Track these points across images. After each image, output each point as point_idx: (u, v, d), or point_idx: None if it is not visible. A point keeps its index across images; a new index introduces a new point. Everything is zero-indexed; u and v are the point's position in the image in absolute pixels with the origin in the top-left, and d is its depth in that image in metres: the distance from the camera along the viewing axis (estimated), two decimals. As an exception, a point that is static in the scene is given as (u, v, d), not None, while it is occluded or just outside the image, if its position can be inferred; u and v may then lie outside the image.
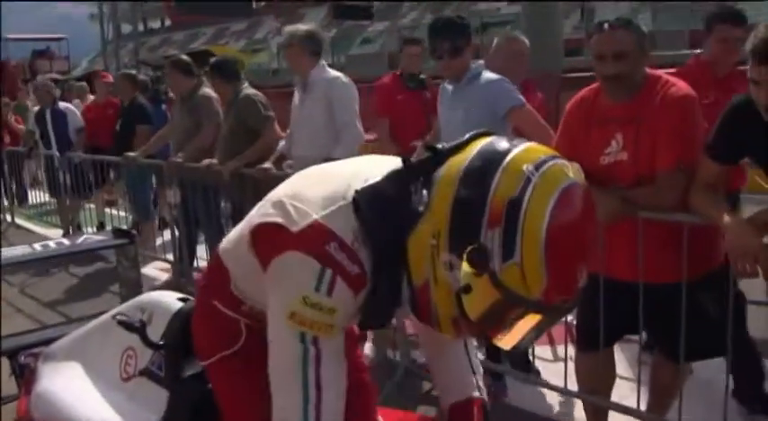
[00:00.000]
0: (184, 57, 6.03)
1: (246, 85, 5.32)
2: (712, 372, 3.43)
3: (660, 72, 2.74)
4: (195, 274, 5.54)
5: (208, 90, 6.13)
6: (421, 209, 1.32)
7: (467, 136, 1.39)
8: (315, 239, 1.34)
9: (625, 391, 3.33)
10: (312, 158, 4.32)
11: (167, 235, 6.49)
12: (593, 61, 2.71)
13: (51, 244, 3.51)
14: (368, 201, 1.36)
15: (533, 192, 1.22)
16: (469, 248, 1.23)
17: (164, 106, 7.77)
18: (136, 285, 3.59)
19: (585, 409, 3.19)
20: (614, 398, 3.14)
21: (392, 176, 1.40)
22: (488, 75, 3.48)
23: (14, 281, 6.61)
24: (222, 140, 5.27)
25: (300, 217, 1.37)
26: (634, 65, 2.64)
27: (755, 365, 3.28)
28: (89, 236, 3.61)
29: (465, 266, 1.23)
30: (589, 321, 2.91)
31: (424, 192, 1.33)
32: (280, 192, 1.50)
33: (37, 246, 3.49)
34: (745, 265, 2.30)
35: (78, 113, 8.02)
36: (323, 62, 4.60)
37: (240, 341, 1.64)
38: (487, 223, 1.22)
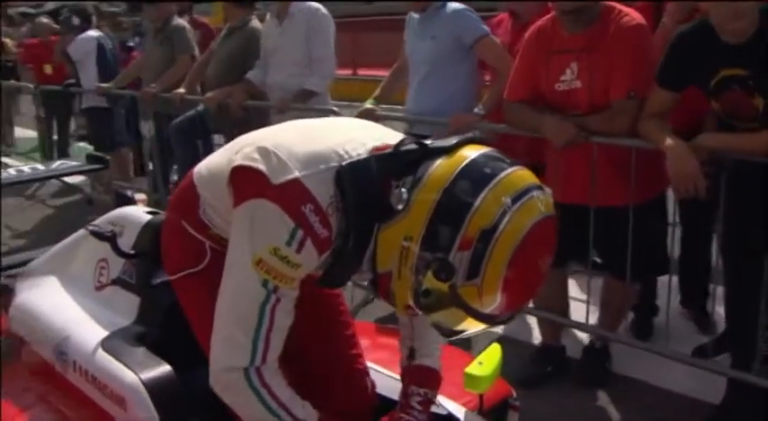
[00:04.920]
0: None
1: (255, 17, 5.12)
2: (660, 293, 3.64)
3: (614, 2, 2.82)
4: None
5: (181, 20, 6.11)
6: (399, 207, 1.37)
7: (455, 140, 1.43)
8: (293, 198, 1.39)
9: (581, 313, 3.51)
10: (287, 87, 4.41)
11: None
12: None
13: (26, 169, 3.58)
14: (351, 179, 1.41)
15: (506, 227, 1.29)
16: (437, 263, 1.31)
17: (136, 39, 7.68)
18: (109, 210, 3.68)
19: (541, 326, 3.37)
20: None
21: (379, 161, 1.45)
22: (454, 4, 3.54)
23: (-11, 210, 6.68)
24: (217, 67, 5.08)
25: (283, 170, 1.41)
26: None
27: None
28: (63, 161, 3.67)
29: (430, 275, 1.33)
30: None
31: (404, 190, 1.37)
32: (266, 137, 1.53)
33: (11, 171, 3.56)
34: (686, 187, 2.44)
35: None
36: (301, -8, 4.61)
37: (205, 261, 1.68)
38: (459, 245, 1.30)
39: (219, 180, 1.56)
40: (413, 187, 1.37)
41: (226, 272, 1.51)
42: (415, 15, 3.68)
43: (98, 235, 2.13)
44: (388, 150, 1.48)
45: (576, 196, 2.92)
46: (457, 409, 1.83)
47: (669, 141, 2.50)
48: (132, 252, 2.13)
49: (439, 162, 1.38)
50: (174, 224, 1.75)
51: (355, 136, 1.51)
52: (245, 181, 1.46)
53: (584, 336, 3.47)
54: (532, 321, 3.65)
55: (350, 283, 4.26)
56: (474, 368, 1.75)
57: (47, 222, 6.23)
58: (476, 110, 3.41)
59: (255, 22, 5.01)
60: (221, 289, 1.51)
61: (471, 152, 1.40)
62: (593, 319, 3.26)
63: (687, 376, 3.07)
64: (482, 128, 3.38)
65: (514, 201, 1.32)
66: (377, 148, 1.48)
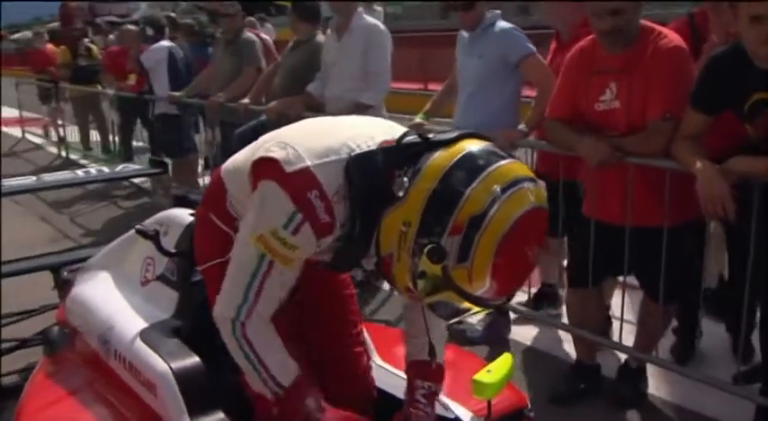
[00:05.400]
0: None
1: (320, 31, 5.30)
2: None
3: (653, 24, 2.85)
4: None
5: (251, 34, 6.35)
6: (400, 194, 1.47)
7: (456, 133, 1.53)
8: (301, 184, 1.52)
9: (617, 333, 3.51)
10: (344, 100, 4.55)
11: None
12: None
13: (92, 170, 3.83)
14: (358, 169, 1.53)
15: (494, 215, 1.38)
16: (431, 246, 1.41)
17: (210, 49, 7.98)
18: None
19: (576, 344, 3.39)
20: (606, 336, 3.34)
21: (384, 152, 1.57)
22: (502, 24, 3.63)
23: (65, 210, 7.06)
24: (282, 78, 5.28)
25: (296, 160, 1.54)
26: (629, 19, 2.77)
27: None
28: (127, 165, 3.90)
29: (424, 257, 1.42)
30: (580, 260, 3.10)
31: (405, 179, 1.48)
32: (286, 133, 1.68)
33: (79, 172, 3.81)
34: (714, 209, 2.46)
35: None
36: (360, 9, 4.77)
37: (231, 252, 1.81)
38: (450, 230, 1.40)
39: (242, 173, 1.71)
40: (413, 176, 1.47)
41: (235, 242, 1.68)
42: (465, 34, 3.77)
43: (143, 233, 2.29)
44: (394, 143, 1.59)
45: (613, 216, 2.96)
46: (464, 414, 1.89)
47: (699, 164, 2.51)
48: (174, 251, 2.28)
49: (438, 153, 1.48)
50: (203, 217, 1.91)
51: (366, 131, 1.63)
52: (262, 169, 1.61)
53: (622, 356, 3.48)
54: (568, 338, 3.66)
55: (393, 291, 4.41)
56: (482, 375, 1.82)
57: (115, 222, 6.53)
58: (520, 127, 3.48)
59: (320, 37, 5.18)
60: (231, 256, 1.68)
61: (469, 145, 1.49)
62: (629, 339, 3.26)
63: (723, 402, 3.03)
64: (525, 144, 3.45)
65: (504, 190, 1.40)
66: (385, 142, 1.59)
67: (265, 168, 1.59)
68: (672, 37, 2.78)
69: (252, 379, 1.70)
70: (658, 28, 2.83)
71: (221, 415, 1.90)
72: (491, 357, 3.23)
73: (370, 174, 1.54)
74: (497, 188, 1.40)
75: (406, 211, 1.47)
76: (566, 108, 3.04)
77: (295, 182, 1.53)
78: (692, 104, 2.63)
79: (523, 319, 3.97)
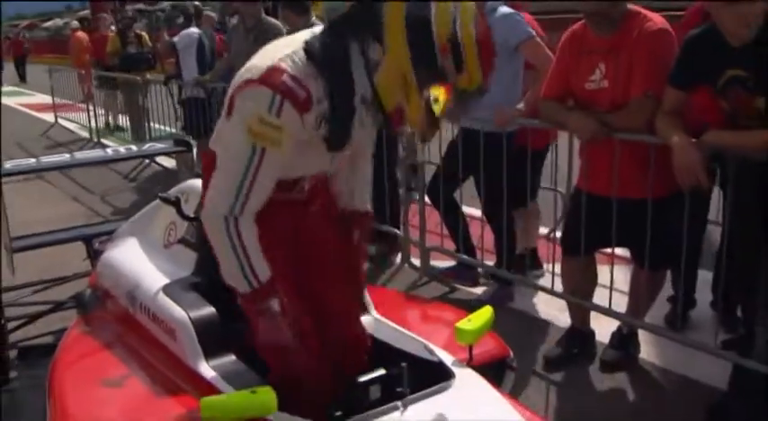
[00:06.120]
0: None
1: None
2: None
3: (639, 7, 3.03)
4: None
5: (271, 18, 6.59)
6: (376, 57, 1.75)
7: None
8: (272, 74, 1.73)
9: (616, 299, 3.69)
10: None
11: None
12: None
13: (121, 149, 4.10)
14: (316, 46, 1.79)
15: (462, 31, 1.68)
16: (432, 74, 1.71)
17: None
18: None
19: (570, 311, 3.59)
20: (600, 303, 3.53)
21: (332, 26, 1.86)
22: (503, 9, 3.81)
23: (97, 190, 7.37)
24: None
25: (261, 66, 1.76)
26: (613, 3, 2.95)
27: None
28: (152, 143, 4.16)
29: (434, 87, 1.76)
30: (573, 231, 3.31)
31: (377, 44, 1.75)
32: (249, 63, 1.85)
33: (108, 151, 4.08)
34: (689, 179, 2.64)
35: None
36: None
37: None
38: (440, 55, 1.69)
39: (223, 128, 1.91)
40: (379, 34, 1.73)
41: (222, 147, 1.87)
42: (469, 19, 3.95)
43: (165, 200, 2.54)
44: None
45: (602, 188, 3.15)
46: (447, 358, 2.11)
47: (675, 138, 2.69)
48: (193, 216, 2.52)
49: (384, 5, 1.72)
50: (205, 186, 2.09)
51: (315, 30, 1.88)
52: (236, 95, 1.80)
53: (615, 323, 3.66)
54: (564, 305, 3.84)
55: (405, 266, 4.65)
56: (463, 323, 2.04)
57: (143, 202, 6.70)
58: (519, 105, 3.68)
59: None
60: (218, 157, 1.87)
61: None
62: (622, 308, 3.45)
63: (707, 365, 3.20)
64: (522, 122, 3.65)
65: (455, 4, 1.69)
66: None
67: (239, 91, 1.79)
68: (656, 20, 2.95)
69: (232, 271, 1.88)
70: (644, 12, 3.00)
71: (233, 357, 2.14)
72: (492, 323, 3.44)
73: (329, 45, 1.79)
74: (450, 5, 1.69)
75: (396, 65, 1.73)
76: (559, 88, 3.23)
77: (266, 76, 1.74)
78: (670, 81, 2.80)
79: (525, 289, 4.19)
